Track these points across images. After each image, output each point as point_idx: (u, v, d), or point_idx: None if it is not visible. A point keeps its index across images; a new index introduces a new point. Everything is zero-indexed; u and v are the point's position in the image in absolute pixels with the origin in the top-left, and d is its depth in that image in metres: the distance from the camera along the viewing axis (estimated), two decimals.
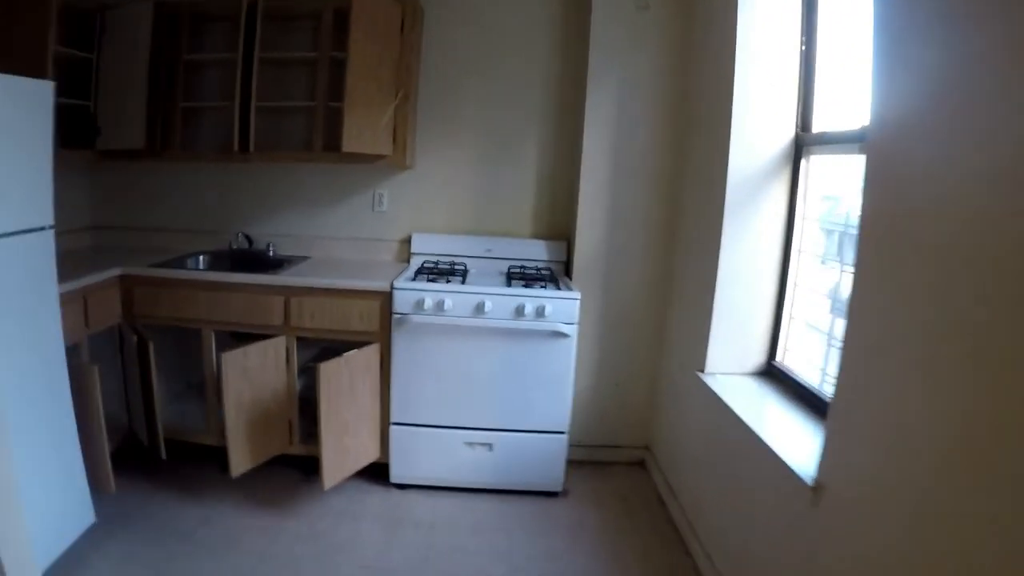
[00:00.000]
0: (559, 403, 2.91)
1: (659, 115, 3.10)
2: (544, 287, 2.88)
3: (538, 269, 3.28)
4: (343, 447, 2.79)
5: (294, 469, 3.12)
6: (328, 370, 2.65)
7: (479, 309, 2.80)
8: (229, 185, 3.59)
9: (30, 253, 2.19)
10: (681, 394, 2.88)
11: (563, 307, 2.80)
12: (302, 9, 3.20)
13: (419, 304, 2.81)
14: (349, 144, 2.92)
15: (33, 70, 2.63)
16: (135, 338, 2.82)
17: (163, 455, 2.90)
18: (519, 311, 2.80)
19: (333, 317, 2.89)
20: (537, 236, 3.48)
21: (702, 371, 2.61)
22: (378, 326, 2.88)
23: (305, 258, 3.46)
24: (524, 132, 3.43)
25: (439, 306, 2.81)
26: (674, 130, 3.09)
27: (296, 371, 2.96)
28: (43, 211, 2.24)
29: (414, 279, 2.94)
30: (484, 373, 2.88)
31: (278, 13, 3.15)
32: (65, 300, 2.54)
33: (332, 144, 3.05)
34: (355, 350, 2.80)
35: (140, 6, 3.04)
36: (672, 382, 3.04)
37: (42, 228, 2.23)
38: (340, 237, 3.58)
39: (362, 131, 2.97)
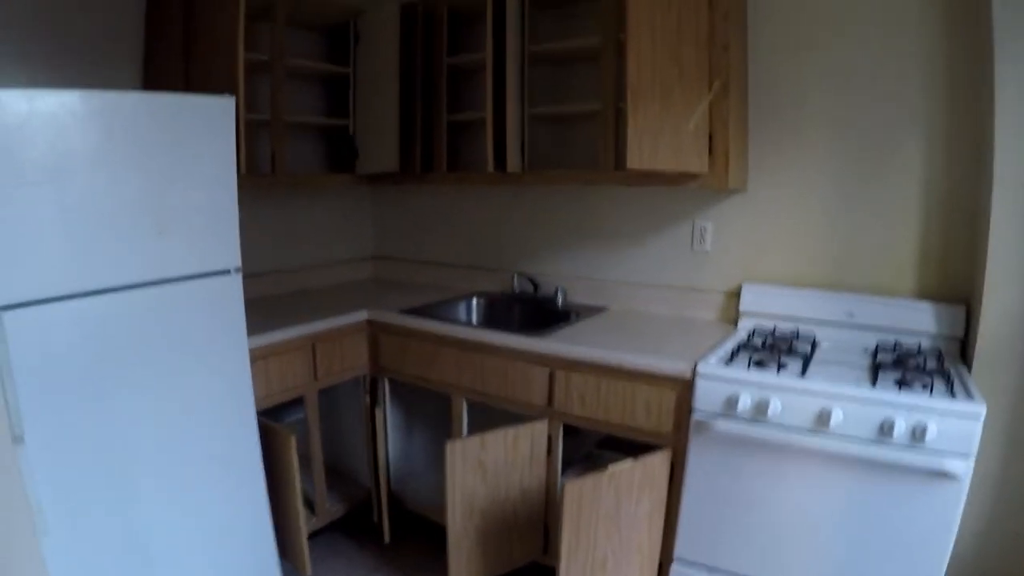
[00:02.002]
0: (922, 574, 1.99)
1: None
2: (928, 388, 1.95)
3: (920, 350, 2.32)
4: None
5: None
6: (578, 492, 2.04)
7: (821, 420, 1.97)
8: (510, 213, 3.23)
9: (210, 300, 2.09)
10: None
11: (955, 429, 1.86)
12: None
13: (730, 403, 2.07)
14: (636, 158, 2.23)
15: (224, 85, 2.43)
16: (367, 398, 2.54)
17: (386, 538, 2.63)
18: (884, 430, 1.91)
19: (611, 405, 2.28)
20: (921, 295, 2.49)
21: None
22: (671, 426, 2.20)
23: (600, 310, 2.92)
24: (900, 133, 2.45)
25: (760, 409, 2.03)
26: None
27: (560, 465, 2.42)
28: (225, 252, 2.10)
29: (730, 360, 2.20)
30: (815, 515, 2.06)
31: None
32: (288, 348, 2.50)
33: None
34: (628, 462, 2.14)
35: (386, 7, 2.73)
36: None
37: (226, 272, 2.08)
38: (648, 284, 2.95)
39: (656, 140, 2.26)
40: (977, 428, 1.85)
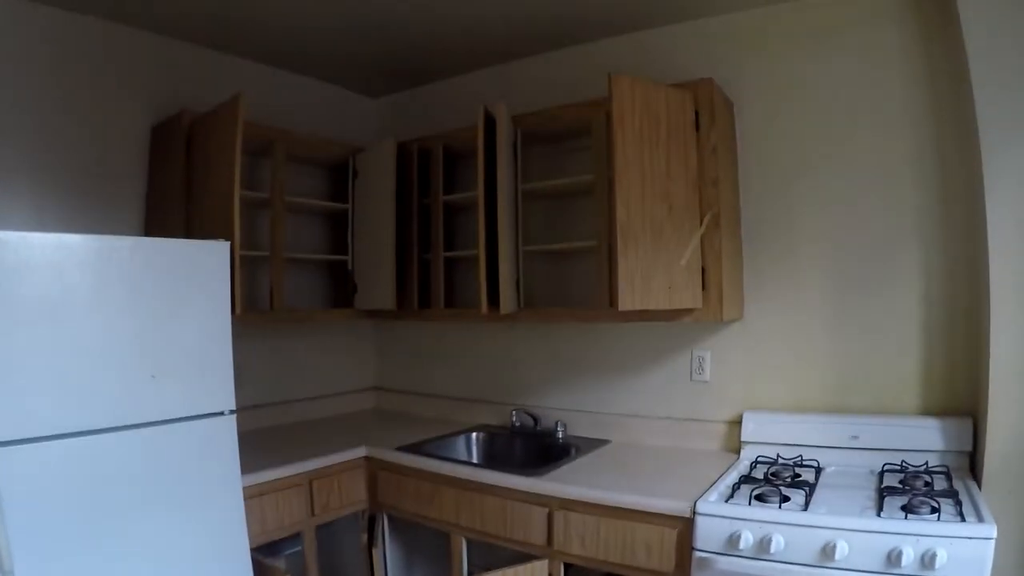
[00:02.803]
0: None
1: None
2: (936, 511, 1.94)
3: (928, 470, 2.31)
4: None
5: None
6: None
7: (825, 554, 1.95)
8: (509, 347, 3.30)
9: (203, 441, 2.11)
10: None
11: (966, 553, 1.83)
12: (566, 123, 2.75)
13: (732, 541, 2.05)
14: (628, 300, 2.29)
15: (222, 224, 2.52)
16: (364, 536, 2.55)
17: None
18: (892, 559, 1.88)
19: (611, 545, 2.26)
20: (926, 411, 2.48)
21: None
22: (673, 565, 2.17)
23: (602, 443, 2.93)
24: (895, 248, 2.51)
25: (763, 546, 2.02)
26: None
27: None
28: (219, 394, 2.13)
29: (731, 496, 2.20)
30: None
31: (538, 134, 2.80)
32: (284, 485, 2.51)
33: None
34: None
35: (382, 145, 2.86)
36: None
37: (220, 413, 2.11)
38: (649, 415, 2.97)
39: (648, 279, 2.34)
40: (989, 550, 1.83)
